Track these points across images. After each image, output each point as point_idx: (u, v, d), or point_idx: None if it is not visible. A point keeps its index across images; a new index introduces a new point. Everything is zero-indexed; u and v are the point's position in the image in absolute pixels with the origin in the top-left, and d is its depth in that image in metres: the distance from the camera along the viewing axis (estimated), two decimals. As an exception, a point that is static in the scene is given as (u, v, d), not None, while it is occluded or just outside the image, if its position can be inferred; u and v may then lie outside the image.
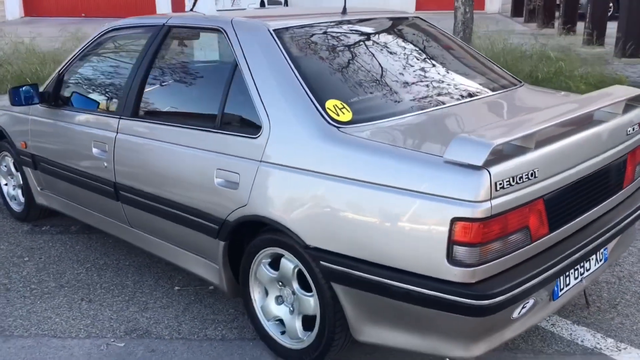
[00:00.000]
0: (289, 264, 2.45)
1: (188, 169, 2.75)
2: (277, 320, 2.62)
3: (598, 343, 2.69)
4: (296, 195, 2.33)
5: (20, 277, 3.49)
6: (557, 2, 16.18)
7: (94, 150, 3.26)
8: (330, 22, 2.94)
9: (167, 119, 2.96)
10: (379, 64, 2.73)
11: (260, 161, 2.44)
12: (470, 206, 1.90)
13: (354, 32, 2.96)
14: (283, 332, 2.61)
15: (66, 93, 3.62)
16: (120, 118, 3.13)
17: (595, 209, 2.40)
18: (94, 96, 3.49)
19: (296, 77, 2.46)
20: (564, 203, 2.22)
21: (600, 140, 2.39)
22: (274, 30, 2.67)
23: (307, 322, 2.50)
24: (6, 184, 4.37)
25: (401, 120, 2.42)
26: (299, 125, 2.35)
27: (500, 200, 1.93)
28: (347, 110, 2.37)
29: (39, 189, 3.97)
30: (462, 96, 2.73)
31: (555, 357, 2.60)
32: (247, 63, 2.59)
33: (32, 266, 3.61)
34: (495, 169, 1.92)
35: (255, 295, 2.67)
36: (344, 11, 3.08)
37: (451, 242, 1.94)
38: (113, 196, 3.22)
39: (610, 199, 2.50)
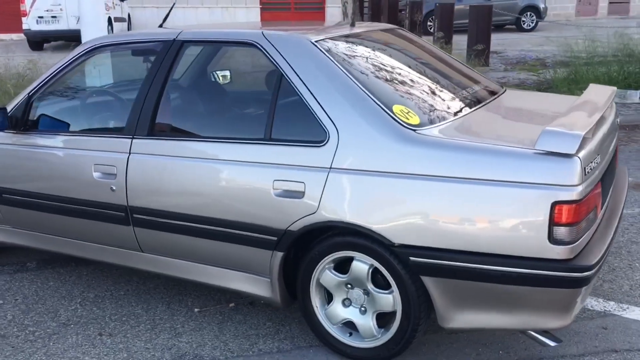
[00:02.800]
0: (362, 265, 2.54)
1: (236, 183, 2.72)
2: (343, 323, 2.68)
3: (604, 306, 3.10)
4: (378, 197, 2.43)
5: (8, 321, 3.14)
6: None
7: (95, 174, 3.05)
8: (348, 34, 3.06)
9: (200, 135, 2.88)
10: (410, 69, 2.92)
11: (330, 168, 2.51)
12: (569, 190, 2.16)
13: (375, 42, 3.12)
14: (349, 334, 2.68)
15: (42, 116, 3.34)
16: (133, 138, 2.98)
17: (610, 189, 2.81)
18: (87, 118, 3.27)
19: (357, 84, 2.57)
20: (604, 186, 2.58)
21: (614, 130, 2.80)
22: (315, 41, 2.75)
23: (380, 320, 2.60)
24: None
25: (461, 120, 2.63)
26: (375, 130, 2.46)
27: (586, 183, 2.23)
28: (414, 114, 2.54)
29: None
30: (484, 97, 3.01)
31: (578, 322, 2.95)
32: (297, 75, 2.64)
33: (14, 309, 3.26)
34: (582, 156, 2.21)
35: (317, 302, 2.71)
36: (353, 24, 3.23)
37: (552, 224, 2.18)
38: (122, 221, 3.04)
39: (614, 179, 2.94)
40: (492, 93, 3.21)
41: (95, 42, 3.26)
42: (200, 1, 20.60)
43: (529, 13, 19.13)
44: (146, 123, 2.96)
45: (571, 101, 2.91)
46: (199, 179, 2.82)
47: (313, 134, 2.59)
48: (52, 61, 5.50)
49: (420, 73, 2.97)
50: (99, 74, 3.97)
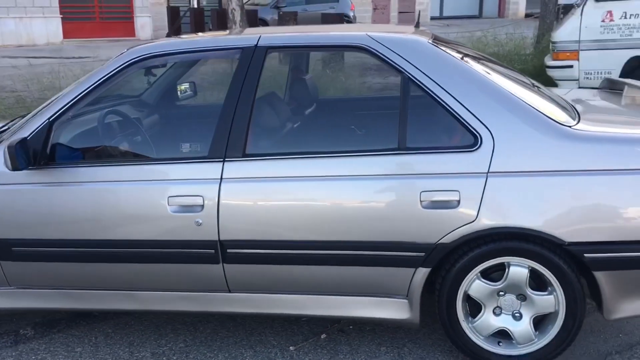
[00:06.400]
0: (520, 269, 2.47)
1: (370, 200, 2.47)
2: (494, 333, 2.58)
3: None
4: (545, 197, 2.38)
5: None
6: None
7: (171, 208, 2.55)
8: (430, 37, 2.93)
9: (313, 152, 2.54)
10: (500, 70, 2.90)
11: (488, 172, 2.40)
12: None
13: (456, 44, 3.03)
14: (499, 343, 2.59)
15: (76, 146, 2.69)
16: (224, 161, 2.54)
17: None
18: (145, 143, 2.69)
19: (499, 85, 2.50)
20: None
21: None
22: (432, 43, 2.61)
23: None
24: None
25: (589, 116, 2.68)
26: (534, 130, 2.41)
27: None
28: (558, 112, 2.54)
29: (-9, 288, 2.80)
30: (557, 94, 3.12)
31: None
32: (430, 78, 2.48)
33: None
34: None
35: (462, 315, 2.57)
36: (417, 25, 3.12)
37: None
38: (210, 259, 2.58)
39: None
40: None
41: (141, 52, 2.70)
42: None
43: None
44: (240, 143, 2.54)
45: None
46: (320, 201, 2.51)
47: (459, 138, 2.46)
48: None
49: (508, 74, 2.97)
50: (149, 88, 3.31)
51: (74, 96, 2.67)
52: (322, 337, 2.91)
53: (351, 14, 20.61)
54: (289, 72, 3.46)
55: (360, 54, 2.61)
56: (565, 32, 7.55)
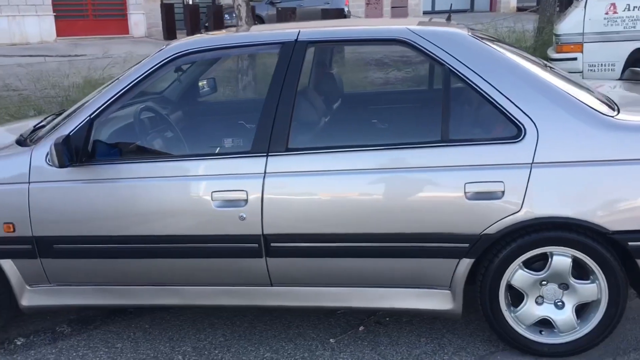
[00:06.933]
0: (564, 258, 2.50)
1: (415, 192, 2.49)
2: (536, 322, 2.61)
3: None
4: (590, 187, 2.41)
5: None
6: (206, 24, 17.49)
7: (215, 203, 2.55)
8: (465, 29, 2.93)
9: (357, 145, 2.56)
10: (533, 60, 2.92)
11: (532, 163, 2.42)
12: None
13: (487, 36, 3.05)
14: (540, 332, 2.62)
15: (114, 142, 2.69)
16: (267, 155, 2.54)
17: None
18: (184, 139, 2.69)
19: (540, 76, 2.52)
20: None
21: None
22: (472, 35, 2.63)
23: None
24: None
25: (633, 106, 2.71)
26: (579, 121, 2.43)
27: None
28: (599, 102, 2.56)
29: (28, 287, 2.80)
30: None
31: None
32: (472, 70, 2.50)
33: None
34: None
35: (504, 305, 2.60)
36: (449, 18, 3.13)
37: None
38: (253, 253, 2.59)
39: None
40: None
41: (181, 49, 2.70)
42: (-21, 11, 17.92)
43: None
44: (283, 137, 2.55)
45: None
46: (364, 193, 2.53)
47: (502, 130, 2.48)
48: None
49: (544, 66, 2.99)
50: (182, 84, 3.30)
51: (114, 93, 2.66)
52: (360, 329, 2.93)
53: (345, 9, 20.61)
54: (313, 66, 3.47)
55: (400, 47, 2.62)
56: (569, 25, 7.59)
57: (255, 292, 2.71)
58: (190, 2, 19.19)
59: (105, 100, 2.66)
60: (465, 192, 2.45)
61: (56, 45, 17.43)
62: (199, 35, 2.97)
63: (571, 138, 2.44)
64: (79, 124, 2.62)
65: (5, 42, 17.55)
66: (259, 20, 18.37)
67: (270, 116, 2.57)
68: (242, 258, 2.63)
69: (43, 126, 3.00)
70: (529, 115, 2.45)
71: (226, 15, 16.99)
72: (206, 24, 18.26)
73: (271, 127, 2.56)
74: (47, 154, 2.61)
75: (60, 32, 19.13)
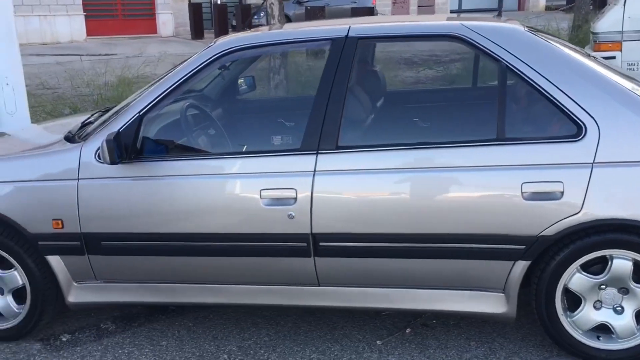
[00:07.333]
0: (625, 262, 2.41)
1: (470, 192, 2.42)
2: (593, 328, 2.52)
3: None
4: None
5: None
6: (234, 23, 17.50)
7: (264, 202, 2.52)
8: (519, 24, 2.85)
9: (411, 143, 2.50)
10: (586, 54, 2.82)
11: (594, 163, 2.34)
12: None
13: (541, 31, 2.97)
14: (598, 337, 2.54)
15: (161, 139, 2.68)
16: (317, 153, 2.50)
17: None
18: (232, 136, 2.67)
19: (601, 73, 2.44)
20: None
21: None
22: (529, 30, 2.55)
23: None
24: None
25: None
26: None
27: None
28: None
29: (75, 283, 2.79)
30: None
31: None
32: (530, 67, 2.42)
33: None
34: None
35: (560, 309, 2.52)
36: (500, 14, 3.06)
37: None
38: (301, 252, 2.55)
39: None
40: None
41: (229, 45, 2.66)
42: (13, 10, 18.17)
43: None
44: (333, 135, 2.50)
45: None
46: (416, 193, 2.46)
47: (562, 128, 2.40)
48: None
49: (602, 63, 2.90)
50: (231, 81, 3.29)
51: (163, 90, 2.64)
52: (407, 331, 2.87)
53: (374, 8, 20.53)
54: (359, 63, 3.41)
55: (456, 44, 2.55)
56: (607, 23, 7.43)
57: (301, 292, 2.67)
58: (219, 2, 19.27)
59: (155, 97, 2.64)
60: (522, 192, 2.37)
61: (86, 45, 17.64)
62: (246, 31, 2.94)
63: (635, 137, 2.35)
64: (129, 120, 2.60)
65: (37, 42, 17.80)
66: (286, 19, 18.39)
67: (320, 113, 2.53)
68: (289, 257, 2.58)
69: (91, 122, 3.00)
70: (590, 113, 2.36)
71: (254, 15, 17.02)
72: (233, 23, 18.31)
73: (321, 125, 2.52)
74: (97, 151, 2.60)
75: (90, 32, 19.37)
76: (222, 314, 3.07)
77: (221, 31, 17.56)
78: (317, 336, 2.86)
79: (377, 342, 2.79)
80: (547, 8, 25.28)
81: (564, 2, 24.65)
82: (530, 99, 2.46)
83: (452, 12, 26.38)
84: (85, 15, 19.32)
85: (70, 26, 19.20)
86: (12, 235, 2.72)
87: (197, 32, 19.18)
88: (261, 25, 15.28)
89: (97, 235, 2.65)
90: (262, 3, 7.36)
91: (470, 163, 2.43)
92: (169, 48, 14.88)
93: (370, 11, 10.86)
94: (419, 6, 26.80)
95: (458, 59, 10.34)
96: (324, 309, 2.83)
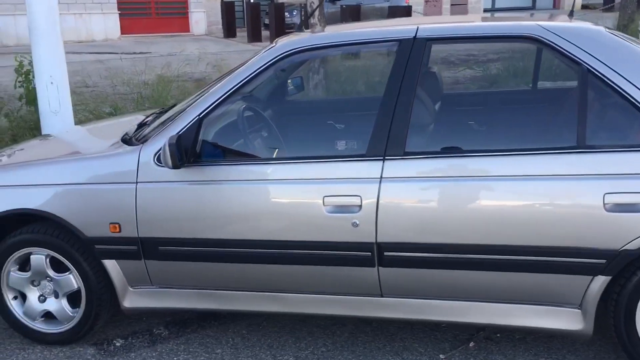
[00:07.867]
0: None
1: (548, 202, 2.29)
2: (675, 347, 2.38)
3: None
4: None
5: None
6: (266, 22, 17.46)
7: (326, 208, 2.42)
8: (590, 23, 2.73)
9: (474, 149, 2.39)
10: None
11: (682, 174, 2.19)
12: None
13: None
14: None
15: (219, 143, 2.60)
16: (384, 159, 2.39)
17: None
18: (295, 141, 2.57)
19: None
20: None
21: None
22: (610, 32, 2.42)
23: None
24: (15, 297, 2.86)
25: None
26: None
27: None
28: None
29: (131, 288, 2.73)
30: None
31: None
32: (614, 70, 2.28)
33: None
34: None
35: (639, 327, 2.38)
36: (571, 14, 2.91)
37: None
38: (365, 261, 2.45)
39: None
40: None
41: (291, 47, 2.58)
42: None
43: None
44: (401, 140, 2.39)
45: None
46: (488, 202, 2.35)
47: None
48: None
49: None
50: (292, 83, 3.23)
51: (224, 92, 2.56)
52: (470, 345, 2.75)
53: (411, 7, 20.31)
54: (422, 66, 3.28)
55: (530, 45, 2.43)
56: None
57: (363, 302, 2.57)
58: (252, 0, 19.24)
59: (215, 99, 2.56)
60: (604, 204, 2.23)
61: (120, 43, 17.78)
62: (306, 33, 2.84)
63: None
64: (189, 123, 2.52)
65: (72, 40, 17.98)
66: (320, 18, 18.27)
67: (387, 118, 2.42)
68: (352, 266, 2.49)
69: (147, 124, 2.94)
70: (676, 119, 2.22)
71: (286, 13, 16.95)
72: (266, 22, 18.26)
73: (388, 130, 2.41)
74: (156, 153, 2.53)
75: (124, 30, 19.54)
76: (275, 322, 2.98)
77: (254, 30, 17.53)
78: (376, 347, 2.75)
79: (440, 356, 2.68)
80: (583, 7, 24.75)
81: (601, 1, 24.15)
82: (613, 105, 2.32)
83: (485, 10, 26.02)
84: (119, 13, 19.50)
85: (105, 24, 19.37)
86: (67, 238, 2.67)
87: (229, 30, 19.19)
88: (293, 24, 15.19)
89: (154, 240, 2.59)
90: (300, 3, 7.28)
91: (547, 172, 2.30)
92: (202, 47, 14.90)
93: (406, 10, 10.69)
94: (452, 5, 26.48)
95: (496, 59, 10.13)
96: (387, 320, 2.73)
